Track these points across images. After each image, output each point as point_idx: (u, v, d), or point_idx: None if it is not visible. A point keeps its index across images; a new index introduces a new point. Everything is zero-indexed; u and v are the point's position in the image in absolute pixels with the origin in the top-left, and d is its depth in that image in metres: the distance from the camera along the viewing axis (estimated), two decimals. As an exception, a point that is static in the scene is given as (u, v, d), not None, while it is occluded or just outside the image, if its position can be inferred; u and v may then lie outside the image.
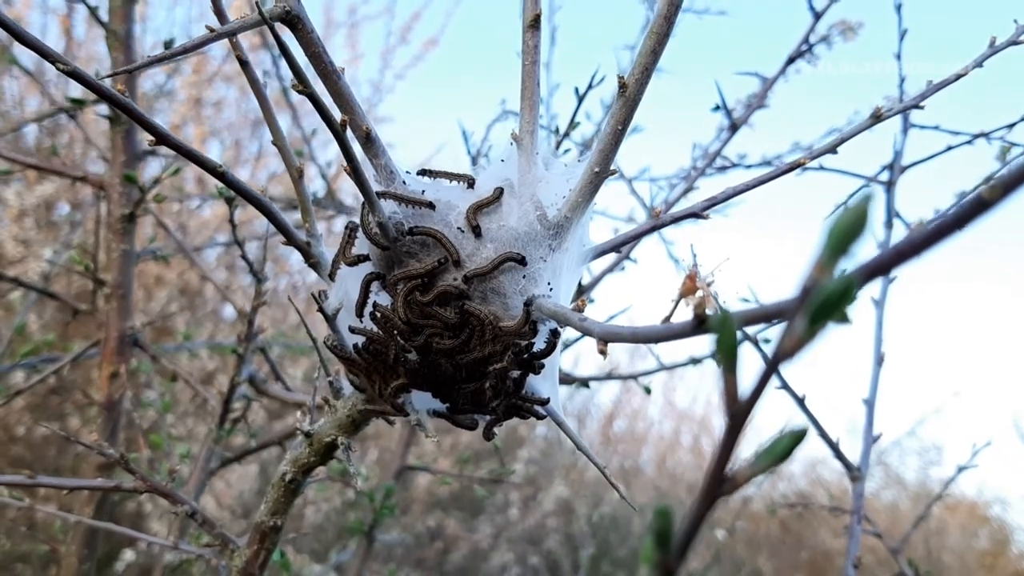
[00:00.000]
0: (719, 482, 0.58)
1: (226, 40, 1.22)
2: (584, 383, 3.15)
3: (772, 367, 0.55)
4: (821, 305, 0.52)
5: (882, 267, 0.55)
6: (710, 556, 8.20)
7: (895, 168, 2.69)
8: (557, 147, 2.59)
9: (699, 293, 0.89)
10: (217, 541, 1.89)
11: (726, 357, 0.56)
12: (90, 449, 1.92)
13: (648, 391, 3.18)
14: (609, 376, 3.28)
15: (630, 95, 1.30)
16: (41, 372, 2.99)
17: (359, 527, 3.32)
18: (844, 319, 0.58)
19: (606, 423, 10.67)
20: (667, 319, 0.91)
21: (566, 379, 3.06)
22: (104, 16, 2.75)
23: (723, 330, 0.56)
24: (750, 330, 2.05)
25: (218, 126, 7.84)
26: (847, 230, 0.52)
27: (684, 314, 0.93)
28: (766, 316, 0.68)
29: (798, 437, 0.56)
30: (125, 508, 5.66)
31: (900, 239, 0.55)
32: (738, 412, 0.56)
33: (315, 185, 4.71)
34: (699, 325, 0.80)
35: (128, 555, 5.18)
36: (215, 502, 5.97)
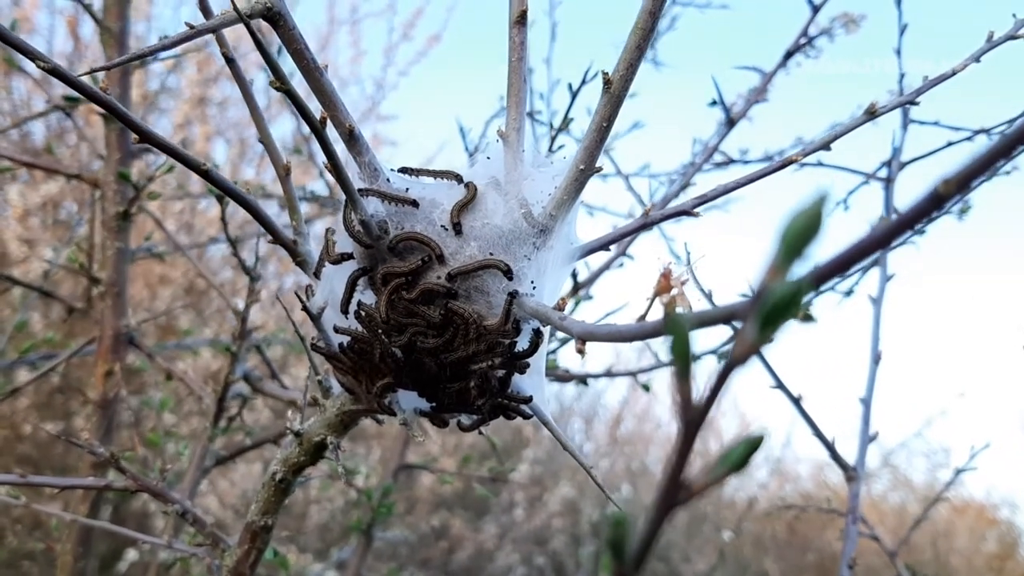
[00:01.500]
0: (675, 490, 0.56)
1: (204, 36, 1.21)
2: (582, 380, 3.13)
3: (725, 374, 0.53)
4: (771, 310, 0.51)
5: (835, 269, 0.53)
6: (716, 557, 8.17)
7: (894, 164, 2.66)
8: (552, 142, 2.58)
9: (673, 291, 0.87)
10: (208, 540, 1.89)
11: (680, 363, 0.54)
12: (81, 448, 1.92)
13: (647, 389, 3.16)
14: (608, 373, 3.27)
15: (615, 92, 1.28)
16: (40, 369, 2.99)
17: (358, 526, 3.32)
18: (808, 318, 0.57)
19: (613, 424, 10.65)
20: (642, 318, 0.90)
21: (565, 376, 3.04)
22: (100, 14, 2.75)
23: (676, 336, 0.54)
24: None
25: (223, 125, 7.85)
26: (801, 233, 0.51)
27: (660, 312, 0.91)
28: (720, 318, 0.66)
29: (754, 444, 0.54)
30: (131, 506, 5.68)
31: (854, 240, 0.54)
32: (692, 419, 0.55)
33: (316, 184, 4.70)
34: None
35: (131, 554, 5.20)
36: (218, 501, 5.99)
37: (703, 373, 0.58)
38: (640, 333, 0.89)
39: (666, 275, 0.89)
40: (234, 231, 2.62)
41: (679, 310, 0.78)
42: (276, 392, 2.73)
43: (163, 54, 2.79)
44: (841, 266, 0.57)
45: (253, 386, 2.71)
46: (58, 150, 5.64)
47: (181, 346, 3.65)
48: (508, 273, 1.30)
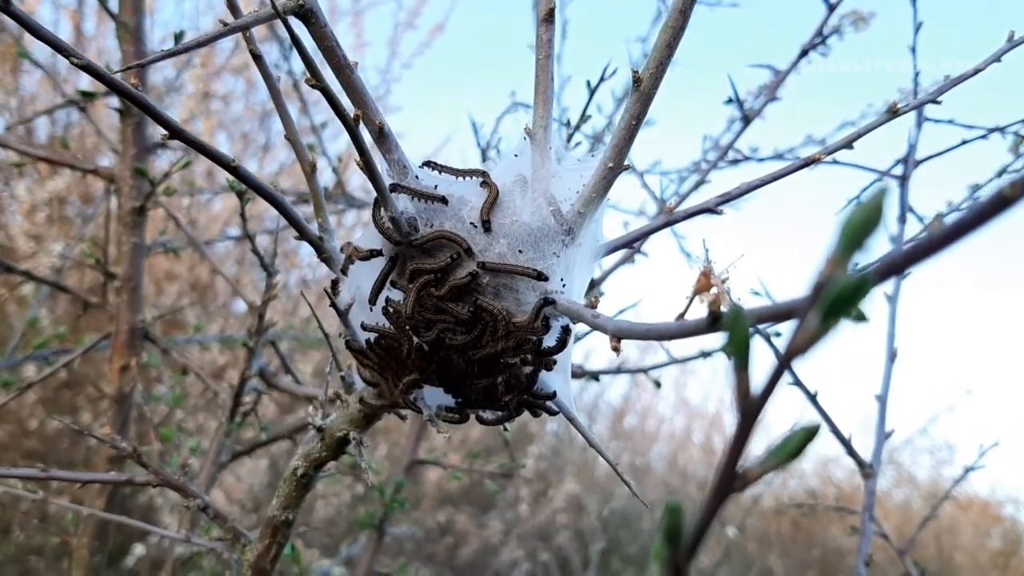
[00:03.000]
0: (731, 479, 0.57)
1: (236, 33, 1.21)
2: (594, 376, 3.14)
3: (784, 363, 0.54)
4: (834, 301, 0.52)
5: (898, 265, 0.54)
6: (721, 553, 8.19)
7: (909, 162, 2.67)
8: (568, 140, 2.58)
9: (713, 290, 0.88)
10: (229, 535, 1.89)
11: (738, 354, 0.55)
12: (103, 443, 1.92)
13: (658, 385, 3.17)
14: (619, 370, 3.27)
15: (644, 90, 1.28)
16: (52, 364, 3.00)
17: (368, 521, 3.32)
18: (861, 317, 0.58)
19: (617, 419, 10.65)
20: (681, 316, 0.91)
21: (577, 373, 3.05)
22: (114, 8, 2.75)
23: (735, 328, 0.55)
24: (761, 325, 2.03)
25: (226, 119, 7.84)
26: (861, 225, 0.52)
27: (697, 311, 0.92)
28: (779, 314, 0.67)
29: (810, 434, 0.55)
30: (137, 501, 5.69)
31: (920, 236, 0.54)
32: (750, 409, 0.56)
33: (324, 178, 4.70)
34: (714, 323, 0.79)
35: (139, 549, 5.21)
36: (224, 496, 5.99)
37: (759, 365, 0.59)
38: (681, 331, 0.90)
39: (706, 273, 0.89)
40: (238, 226, 2.62)
41: (723, 309, 0.78)
42: (290, 388, 2.74)
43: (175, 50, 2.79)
44: (902, 265, 0.57)
45: (268, 381, 2.72)
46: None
47: (193, 341, 3.66)
48: (539, 277, 1.30)
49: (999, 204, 0.53)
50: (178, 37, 2.77)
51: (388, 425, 7.07)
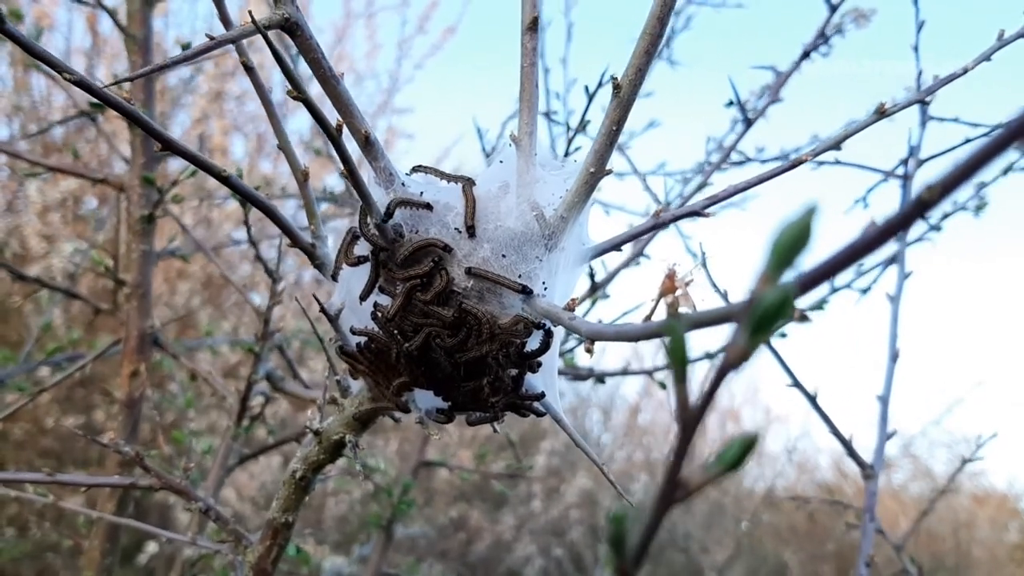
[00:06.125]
0: (673, 488, 0.59)
1: (223, 47, 1.24)
2: (600, 379, 3.15)
3: (719, 378, 0.56)
4: (760, 317, 0.53)
5: (820, 276, 0.56)
6: (734, 548, 8.17)
7: (912, 162, 2.66)
8: (569, 143, 2.59)
9: (677, 292, 0.89)
10: (231, 537, 1.92)
11: (677, 366, 0.57)
12: (107, 448, 1.96)
13: (663, 386, 3.18)
14: (625, 371, 3.29)
15: (624, 95, 1.30)
16: (65, 370, 3.05)
17: (376, 521, 3.35)
18: (804, 319, 0.59)
19: (631, 415, 10.66)
20: (648, 318, 0.92)
21: (583, 375, 3.07)
22: (124, 19, 2.78)
23: (673, 340, 0.57)
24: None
25: (240, 119, 7.89)
26: (790, 244, 0.53)
27: (665, 312, 0.94)
28: (716, 320, 0.69)
29: (748, 445, 0.57)
30: (153, 499, 5.76)
31: (840, 247, 0.56)
32: (689, 419, 0.57)
33: (334, 179, 4.73)
34: (672, 328, 0.80)
35: (152, 547, 5.27)
36: (236, 493, 6.05)
37: (701, 375, 0.61)
38: (645, 333, 0.92)
39: (670, 276, 0.91)
40: (252, 222, 2.64)
41: (682, 310, 0.80)
42: (297, 391, 2.77)
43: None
44: (826, 273, 0.59)
45: (275, 385, 2.76)
46: (77, 146, 5.71)
47: (203, 344, 3.70)
48: (524, 291, 1.33)
49: (918, 208, 0.55)
50: (185, 47, 2.81)
51: (397, 424, 7.09)
